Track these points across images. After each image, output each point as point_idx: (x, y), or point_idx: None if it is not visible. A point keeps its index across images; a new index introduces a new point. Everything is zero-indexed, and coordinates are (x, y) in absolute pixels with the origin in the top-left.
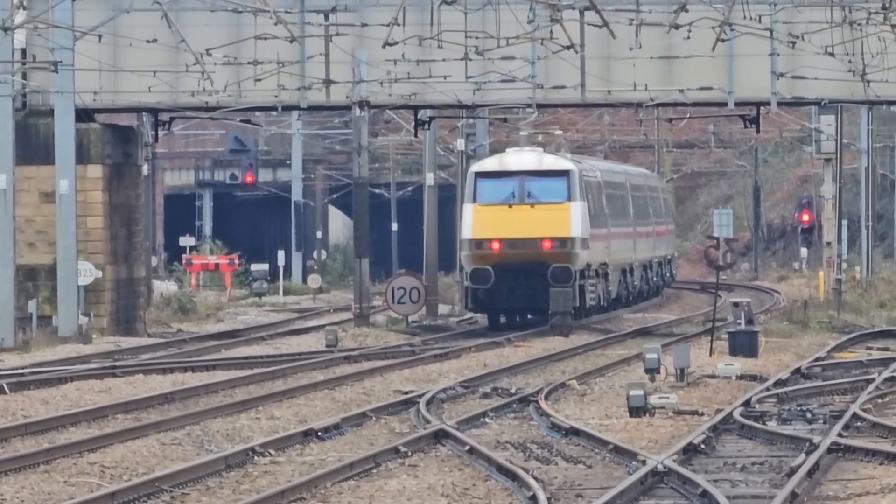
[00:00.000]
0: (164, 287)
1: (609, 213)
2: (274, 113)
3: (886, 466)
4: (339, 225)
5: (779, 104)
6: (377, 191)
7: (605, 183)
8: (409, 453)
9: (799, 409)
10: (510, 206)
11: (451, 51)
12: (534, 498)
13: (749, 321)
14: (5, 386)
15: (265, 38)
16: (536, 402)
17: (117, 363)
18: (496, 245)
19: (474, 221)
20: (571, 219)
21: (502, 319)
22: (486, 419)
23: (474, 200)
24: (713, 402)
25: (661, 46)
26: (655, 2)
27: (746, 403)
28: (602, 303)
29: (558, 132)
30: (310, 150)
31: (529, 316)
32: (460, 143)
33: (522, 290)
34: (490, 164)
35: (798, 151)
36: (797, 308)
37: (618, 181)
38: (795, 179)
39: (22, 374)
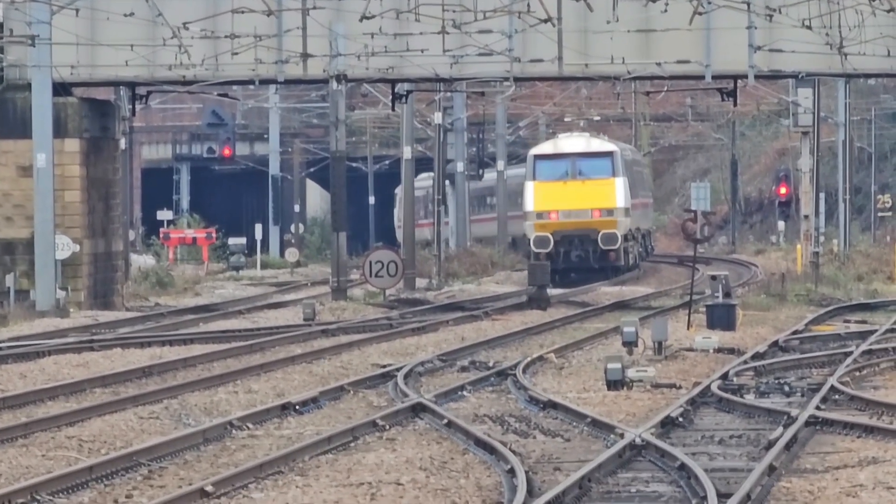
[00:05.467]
0: (142, 261)
1: (638, 186)
2: (251, 87)
3: (864, 439)
4: (316, 199)
5: (756, 77)
6: (354, 164)
7: (632, 161)
8: (387, 427)
9: (777, 382)
10: (565, 182)
11: (429, 24)
12: (512, 471)
13: (727, 294)
14: None
15: (242, 12)
16: (514, 375)
17: (95, 337)
18: (554, 215)
19: (535, 196)
20: (616, 192)
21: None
22: (464, 393)
23: (534, 178)
24: (691, 376)
25: (638, 19)
26: None
27: (724, 377)
28: (637, 261)
29: (597, 118)
30: (287, 123)
31: (573, 275)
32: (438, 117)
33: (577, 252)
34: (546, 147)
35: (775, 125)
36: (775, 281)
37: (637, 159)
38: (773, 153)
39: None
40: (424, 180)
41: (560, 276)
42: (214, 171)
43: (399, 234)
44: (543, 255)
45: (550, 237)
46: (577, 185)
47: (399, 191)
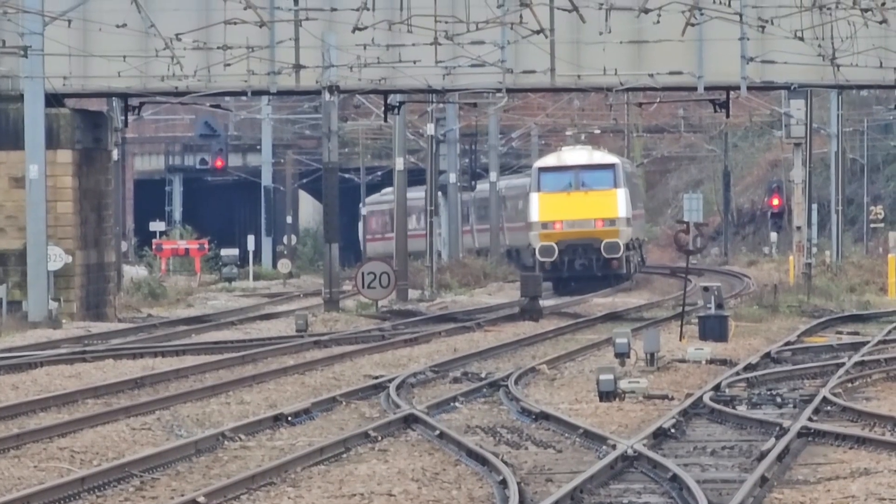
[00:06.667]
0: (134, 272)
1: (636, 197)
2: (244, 98)
3: (856, 451)
4: (309, 210)
5: (748, 88)
6: (347, 175)
7: (631, 173)
8: (380, 438)
9: (769, 393)
10: (568, 193)
11: (421, 35)
12: (504, 482)
13: (719, 306)
14: None
15: (235, 23)
16: (506, 386)
17: (87, 348)
18: (558, 225)
19: (540, 207)
20: (618, 202)
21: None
22: (457, 404)
23: (539, 190)
24: (683, 387)
25: (630, 31)
26: None
27: (716, 388)
28: (636, 269)
29: (596, 131)
30: (280, 134)
31: (573, 283)
32: (430, 128)
33: (581, 261)
34: (550, 160)
35: (768, 136)
36: (767, 292)
37: (633, 171)
38: (765, 164)
39: None
40: (389, 195)
41: (563, 284)
42: (207, 182)
43: (365, 249)
44: (548, 264)
45: (555, 246)
46: (581, 196)
47: (363, 207)
